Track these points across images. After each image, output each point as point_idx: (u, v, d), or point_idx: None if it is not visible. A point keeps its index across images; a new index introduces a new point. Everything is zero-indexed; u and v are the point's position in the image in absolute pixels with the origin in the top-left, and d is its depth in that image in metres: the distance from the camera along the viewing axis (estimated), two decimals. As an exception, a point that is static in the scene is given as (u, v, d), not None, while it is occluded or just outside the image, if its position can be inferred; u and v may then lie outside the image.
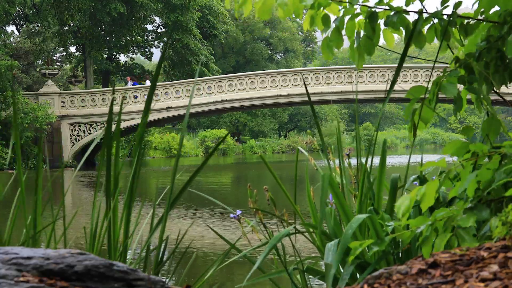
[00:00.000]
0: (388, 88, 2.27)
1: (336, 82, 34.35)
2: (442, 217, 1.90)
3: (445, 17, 2.33)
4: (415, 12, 2.35)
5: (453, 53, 2.36)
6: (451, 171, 2.00)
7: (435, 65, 2.29)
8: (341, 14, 2.41)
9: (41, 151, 2.41)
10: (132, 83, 39.58)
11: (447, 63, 2.46)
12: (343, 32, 2.44)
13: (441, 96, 2.27)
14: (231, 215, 2.81)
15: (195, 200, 15.37)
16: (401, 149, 74.85)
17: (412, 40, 2.35)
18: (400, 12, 2.35)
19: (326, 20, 2.42)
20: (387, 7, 2.37)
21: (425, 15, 2.35)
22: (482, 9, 2.30)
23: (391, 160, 34.67)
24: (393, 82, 2.24)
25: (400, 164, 27.44)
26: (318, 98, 34.29)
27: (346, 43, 2.47)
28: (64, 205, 2.44)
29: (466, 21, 2.36)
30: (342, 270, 2.37)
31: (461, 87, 2.32)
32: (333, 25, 2.44)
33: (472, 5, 2.33)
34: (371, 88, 33.69)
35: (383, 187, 2.54)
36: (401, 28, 2.38)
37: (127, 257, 2.29)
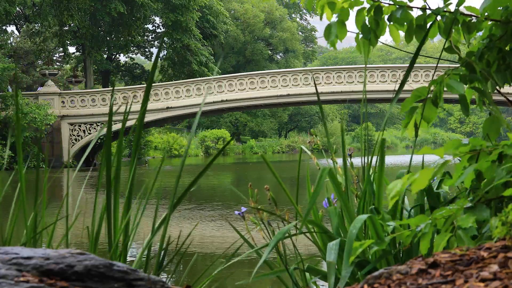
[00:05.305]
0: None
1: (336, 82, 34.34)
2: (442, 216, 1.89)
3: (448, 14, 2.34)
4: (418, 8, 2.36)
5: (459, 53, 2.36)
6: (448, 162, 1.99)
7: (444, 64, 2.29)
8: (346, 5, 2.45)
9: (43, 151, 2.40)
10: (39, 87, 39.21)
11: (455, 61, 2.46)
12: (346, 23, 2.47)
13: (443, 96, 2.27)
14: (236, 212, 2.82)
15: (194, 200, 15.37)
16: (401, 149, 74.87)
17: (413, 35, 2.36)
18: (403, 7, 2.36)
19: (332, 5, 2.45)
20: (391, 2, 2.39)
21: (428, 12, 2.37)
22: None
23: (391, 160, 34.62)
24: (403, 82, 2.24)
25: (400, 164, 27.36)
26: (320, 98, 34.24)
27: (347, 43, 2.50)
28: (62, 205, 2.43)
29: (468, 19, 2.36)
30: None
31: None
32: (336, 19, 2.46)
33: (481, 8, 2.32)
34: (372, 88, 33.67)
35: (383, 186, 2.54)
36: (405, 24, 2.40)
37: (129, 257, 2.28)
